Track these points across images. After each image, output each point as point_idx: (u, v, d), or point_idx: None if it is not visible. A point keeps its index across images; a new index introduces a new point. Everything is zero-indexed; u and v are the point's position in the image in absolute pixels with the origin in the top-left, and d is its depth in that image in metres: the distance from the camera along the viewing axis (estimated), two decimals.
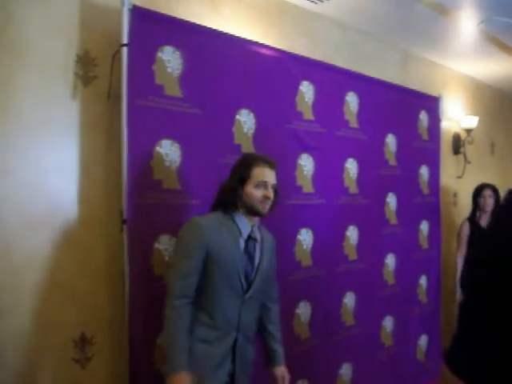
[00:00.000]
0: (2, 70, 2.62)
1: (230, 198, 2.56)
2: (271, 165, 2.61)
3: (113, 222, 2.93)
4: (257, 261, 2.61)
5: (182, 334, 2.35)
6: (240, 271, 2.50)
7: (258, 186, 2.54)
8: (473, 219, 5.09)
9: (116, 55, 2.88)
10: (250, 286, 2.56)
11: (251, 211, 2.57)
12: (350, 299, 4.18)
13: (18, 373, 2.66)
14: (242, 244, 2.55)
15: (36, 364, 2.73)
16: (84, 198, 2.90)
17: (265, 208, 2.57)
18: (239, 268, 2.50)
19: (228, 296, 2.49)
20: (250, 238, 2.59)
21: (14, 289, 2.64)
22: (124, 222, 2.80)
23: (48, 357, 2.77)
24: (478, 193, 5.11)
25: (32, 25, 2.71)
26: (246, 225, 2.58)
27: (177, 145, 3.01)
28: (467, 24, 4.63)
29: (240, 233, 2.55)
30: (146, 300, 2.84)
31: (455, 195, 6.19)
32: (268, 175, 2.58)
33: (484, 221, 5.03)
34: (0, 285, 2.60)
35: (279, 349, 2.87)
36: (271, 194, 2.58)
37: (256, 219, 2.63)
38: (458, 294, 4.85)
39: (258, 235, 2.65)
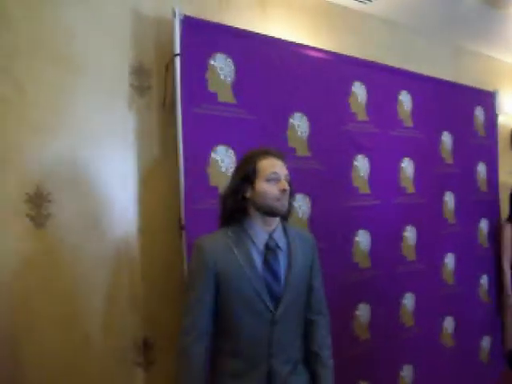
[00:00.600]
0: (64, 83, 2.73)
1: (236, 205, 2.17)
2: (278, 155, 2.22)
3: (172, 228, 2.98)
4: (282, 272, 2.17)
5: (188, 376, 2.07)
6: (260, 290, 2.09)
7: (269, 179, 2.14)
8: None
9: (169, 65, 2.93)
10: (278, 303, 2.12)
11: (268, 212, 2.15)
12: (409, 300, 4.13)
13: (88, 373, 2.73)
14: (259, 258, 2.13)
15: (102, 366, 2.80)
16: (143, 206, 2.96)
17: (284, 205, 2.16)
18: (257, 287, 2.09)
19: (251, 320, 2.10)
20: (268, 247, 2.16)
21: (83, 294, 2.72)
22: (182, 228, 2.83)
23: (113, 360, 2.84)
24: None
25: (89, 39, 2.80)
26: (261, 233, 2.16)
27: (231, 150, 3.03)
28: None
29: (254, 245, 2.15)
30: None
31: None
32: (278, 165, 2.17)
33: None
34: (70, 290, 2.68)
35: (324, 372, 2.29)
36: (287, 185, 2.15)
37: (276, 222, 2.21)
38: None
39: (281, 241, 2.22)
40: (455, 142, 4.55)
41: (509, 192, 4.98)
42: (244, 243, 2.13)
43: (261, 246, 2.15)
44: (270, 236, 2.17)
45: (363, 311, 3.77)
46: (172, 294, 3.01)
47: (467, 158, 4.71)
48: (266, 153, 2.19)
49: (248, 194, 2.16)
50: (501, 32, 4.96)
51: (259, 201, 2.13)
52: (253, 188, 2.15)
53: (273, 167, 2.15)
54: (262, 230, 2.17)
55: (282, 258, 2.18)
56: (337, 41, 3.98)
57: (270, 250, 2.16)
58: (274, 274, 2.14)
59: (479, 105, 4.86)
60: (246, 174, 2.16)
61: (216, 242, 2.13)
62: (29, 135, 2.60)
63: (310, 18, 3.87)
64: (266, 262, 2.13)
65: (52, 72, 2.68)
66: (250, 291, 2.08)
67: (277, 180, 2.14)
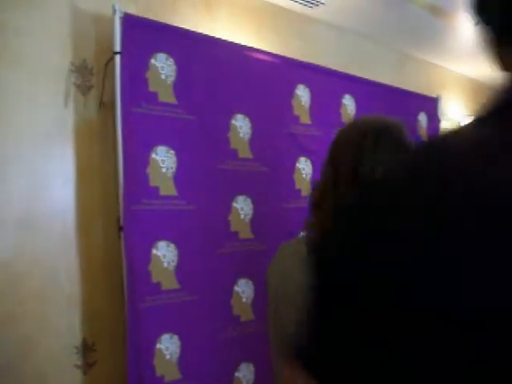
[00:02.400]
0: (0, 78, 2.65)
1: None
2: None
3: (111, 228, 2.94)
4: None
5: None
6: None
7: None
8: None
9: (109, 63, 2.90)
10: None
11: None
12: None
13: (24, 378, 2.67)
14: None
15: (40, 370, 2.75)
16: (81, 206, 2.92)
17: None
18: None
19: None
20: None
21: (16, 294, 2.66)
22: (121, 228, 2.80)
23: (51, 363, 2.79)
24: None
25: (25, 33, 2.74)
26: None
27: (172, 151, 3.01)
28: (465, 25, 4.63)
29: None
30: (144, 307, 2.84)
31: None
32: None
33: None
34: (3, 291, 2.62)
35: None
36: None
37: None
38: None
39: None
40: None
41: None
42: None
43: None
44: None
45: None
46: (111, 294, 2.98)
47: None
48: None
49: None
50: (445, 41, 5.06)
51: None
52: None
53: None
54: None
55: None
56: (282, 44, 4.00)
57: None
58: None
59: (423, 110, 4.94)
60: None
61: None
62: None
63: (256, 21, 3.88)
64: None
65: None
66: None
67: None
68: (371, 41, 4.93)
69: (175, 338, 2.97)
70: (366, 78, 4.37)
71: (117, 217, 2.85)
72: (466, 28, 4.68)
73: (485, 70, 6.13)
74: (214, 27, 3.55)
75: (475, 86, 6.61)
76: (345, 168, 1.60)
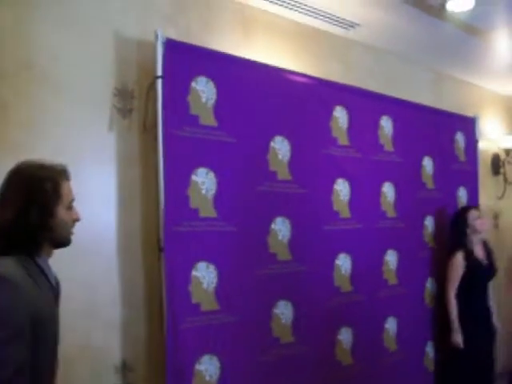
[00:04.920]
0: (47, 103, 2.73)
1: (33, 235, 1.75)
2: (69, 176, 1.91)
3: (151, 250, 2.97)
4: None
5: None
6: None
7: (69, 207, 1.86)
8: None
9: (151, 87, 2.95)
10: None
11: (61, 244, 1.88)
12: (391, 324, 4.13)
13: None
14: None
15: None
16: (123, 227, 2.95)
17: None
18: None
19: None
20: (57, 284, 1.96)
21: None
22: (161, 250, 2.83)
23: (89, 382, 2.81)
24: None
25: (72, 60, 2.81)
26: (50, 270, 1.89)
27: (212, 173, 3.04)
28: (501, 44, 4.61)
29: (49, 282, 1.85)
30: (184, 328, 2.86)
31: (496, 217, 6.09)
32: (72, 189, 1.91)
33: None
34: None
35: None
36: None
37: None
38: None
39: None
40: (436, 167, 4.60)
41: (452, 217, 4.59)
42: (42, 280, 1.79)
43: (54, 283, 1.90)
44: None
45: (345, 335, 3.77)
46: (152, 316, 3.00)
47: (448, 182, 4.75)
48: (65, 173, 1.88)
49: (41, 221, 1.75)
50: (480, 59, 5.03)
51: (58, 231, 1.81)
52: (50, 215, 1.78)
53: (71, 192, 1.89)
54: (50, 267, 1.87)
55: None
56: (320, 66, 4.02)
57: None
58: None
59: (460, 130, 4.91)
60: (42, 197, 1.76)
61: (19, 273, 1.68)
62: (8, 153, 2.59)
63: (293, 43, 3.91)
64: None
65: (36, 92, 2.69)
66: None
67: (72, 207, 1.89)
68: (407, 61, 4.92)
69: (215, 359, 2.98)
70: (403, 98, 4.37)
71: (157, 238, 2.88)
72: (501, 46, 4.66)
73: None
74: (251, 50, 3.58)
75: None
76: None
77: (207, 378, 2.95)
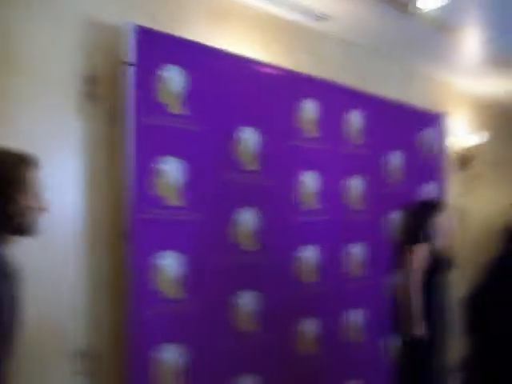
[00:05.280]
0: (13, 90, 2.69)
1: None
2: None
3: (117, 237, 2.97)
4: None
5: None
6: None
7: (34, 195, 1.83)
8: None
9: (120, 74, 2.93)
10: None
11: (21, 232, 1.83)
12: (356, 316, 4.18)
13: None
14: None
15: (41, 374, 2.76)
16: (89, 214, 2.93)
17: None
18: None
19: None
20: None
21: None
22: (127, 237, 2.83)
23: (53, 367, 2.80)
24: None
25: (37, 43, 2.77)
26: (11, 257, 1.82)
27: (180, 162, 3.04)
28: (472, 42, 4.66)
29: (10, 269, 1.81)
30: (148, 315, 2.86)
31: (462, 212, 6.17)
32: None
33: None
34: None
35: None
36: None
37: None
38: None
39: None
40: (404, 162, 4.64)
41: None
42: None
43: (13, 268, 1.83)
44: None
45: (310, 326, 3.80)
46: (116, 303, 2.99)
47: (416, 178, 4.80)
48: (28, 160, 1.85)
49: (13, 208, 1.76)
50: (450, 56, 5.07)
51: (18, 218, 1.78)
52: (9, 201, 1.75)
53: (36, 180, 1.86)
54: (8, 251, 1.82)
55: None
56: (290, 57, 4.02)
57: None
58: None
59: (428, 126, 4.97)
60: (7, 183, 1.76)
61: None
62: None
63: (264, 34, 3.90)
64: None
65: (1, 78, 2.65)
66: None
67: (37, 196, 1.85)
68: (378, 55, 4.95)
69: (178, 346, 3.00)
70: (373, 92, 4.40)
71: (123, 225, 2.88)
72: (471, 44, 4.70)
73: (490, 87, 6.17)
74: (221, 40, 3.57)
75: (480, 102, 6.63)
76: None
77: (170, 366, 2.97)
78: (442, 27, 4.34)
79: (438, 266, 4.32)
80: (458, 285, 5.19)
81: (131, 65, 2.86)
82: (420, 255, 4.28)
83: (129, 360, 2.81)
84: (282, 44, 4.02)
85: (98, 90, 2.99)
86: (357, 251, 4.19)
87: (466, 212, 6.20)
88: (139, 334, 2.82)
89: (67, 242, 2.86)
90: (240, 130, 3.36)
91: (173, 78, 3.04)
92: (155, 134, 2.96)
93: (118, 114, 2.96)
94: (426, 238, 4.33)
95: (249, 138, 3.40)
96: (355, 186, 4.17)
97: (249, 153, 3.41)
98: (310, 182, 3.80)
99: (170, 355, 2.96)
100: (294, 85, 3.74)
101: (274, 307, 3.51)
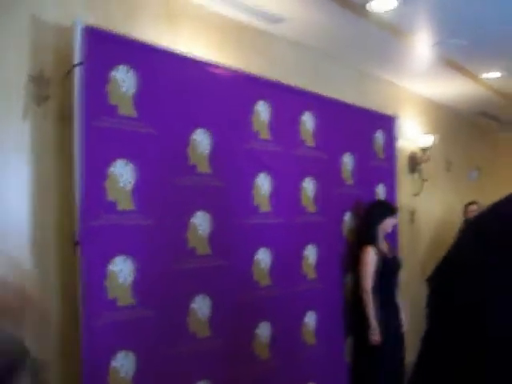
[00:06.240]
0: None
1: None
2: None
3: (67, 243, 2.88)
4: None
5: None
6: None
7: None
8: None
9: (69, 75, 2.84)
10: None
11: None
12: (310, 318, 4.17)
13: None
14: None
15: None
16: (36, 220, 2.84)
17: None
18: None
19: None
20: None
21: None
22: (77, 244, 2.75)
23: None
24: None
25: None
26: None
27: (131, 165, 2.97)
28: (422, 45, 4.73)
29: None
30: (100, 324, 2.79)
31: (412, 213, 6.26)
32: None
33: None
34: None
35: None
36: None
37: None
38: None
39: None
40: (356, 164, 4.67)
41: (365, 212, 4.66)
42: None
43: None
44: None
45: (263, 330, 3.77)
46: (66, 311, 2.91)
47: (367, 179, 4.83)
48: None
49: None
50: (402, 60, 5.15)
51: None
52: None
53: None
54: None
55: None
56: (244, 60, 4.00)
57: None
58: None
59: (380, 128, 5.01)
60: None
61: None
62: None
63: (218, 36, 3.87)
64: None
65: None
66: None
67: None
68: (331, 58, 4.97)
69: (130, 354, 2.93)
70: (326, 95, 4.41)
71: (73, 231, 2.79)
72: (421, 48, 4.78)
73: (439, 90, 6.28)
74: (175, 41, 3.53)
75: (430, 105, 6.74)
76: None
77: (123, 375, 2.90)
78: (393, 31, 4.39)
79: (387, 267, 4.36)
80: (409, 285, 5.27)
81: (80, 65, 2.78)
82: (368, 257, 4.32)
83: (80, 370, 2.73)
84: (235, 46, 3.99)
85: (47, 91, 2.90)
86: (310, 253, 4.18)
87: (417, 213, 6.29)
88: (91, 343, 2.74)
89: (14, 250, 2.76)
90: (192, 133, 3.31)
91: (124, 80, 2.97)
92: (106, 137, 2.87)
93: (67, 116, 2.88)
94: (374, 240, 4.37)
95: (201, 141, 3.35)
96: (309, 188, 4.16)
97: (202, 155, 3.36)
98: (263, 184, 3.77)
99: (123, 363, 2.89)
100: (248, 87, 3.71)
101: (227, 311, 3.47)
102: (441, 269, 0.89)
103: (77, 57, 2.78)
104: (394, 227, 4.82)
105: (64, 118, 2.90)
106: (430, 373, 0.86)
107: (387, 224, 4.48)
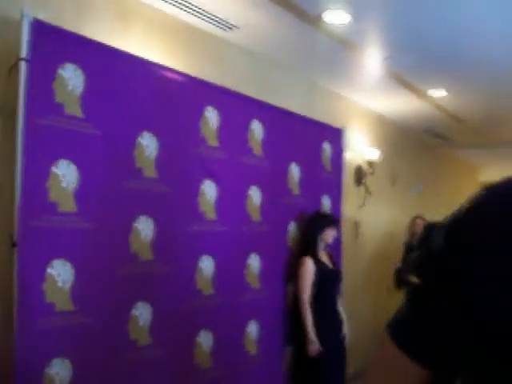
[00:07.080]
0: None
1: None
2: None
3: (4, 244, 2.77)
4: None
5: None
6: None
7: None
8: None
9: (13, 70, 2.75)
10: None
11: None
12: (252, 328, 4.14)
13: None
14: None
15: None
16: None
17: None
18: None
19: None
20: None
21: None
22: (14, 245, 2.65)
23: None
24: None
25: None
26: None
27: (74, 166, 2.89)
28: (372, 60, 4.78)
29: None
30: (35, 329, 2.69)
31: (357, 225, 6.31)
32: None
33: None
34: None
35: None
36: None
37: None
38: None
39: None
40: (303, 174, 4.67)
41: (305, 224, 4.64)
42: None
43: None
44: None
45: (205, 338, 3.72)
46: (3, 314, 2.79)
47: (313, 190, 4.84)
48: None
49: None
50: (351, 73, 5.21)
51: None
52: None
53: None
54: None
55: None
56: (195, 65, 3.96)
57: None
58: None
59: (327, 140, 5.03)
60: None
61: None
62: None
63: (170, 39, 3.83)
64: None
65: None
66: None
67: None
68: (282, 68, 4.99)
69: (67, 362, 2.83)
70: (276, 104, 4.40)
71: (10, 232, 2.69)
72: (371, 62, 4.84)
73: (387, 104, 6.37)
74: (127, 41, 3.46)
75: (378, 118, 6.83)
76: None
77: (60, 382, 2.80)
78: (344, 44, 4.42)
79: (326, 278, 4.37)
80: (349, 296, 5.30)
81: (26, 61, 2.69)
82: (305, 268, 4.32)
83: (15, 377, 2.62)
84: (187, 50, 3.96)
85: None
86: (254, 262, 4.16)
87: (362, 226, 6.35)
88: (25, 350, 2.64)
89: None
90: (139, 136, 3.24)
91: (71, 78, 2.88)
92: (49, 136, 2.78)
93: (9, 111, 2.78)
94: (313, 251, 4.38)
95: (148, 144, 3.28)
96: (255, 196, 4.14)
97: (148, 159, 3.29)
98: (209, 191, 3.73)
99: (58, 371, 2.80)
100: (197, 92, 3.66)
101: (169, 319, 3.41)
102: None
103: (22, 51, 2.68)
104: (338, 239, 4.84)
105: (6, 115, 2.80)
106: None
107: (327, 235, 4.49)
